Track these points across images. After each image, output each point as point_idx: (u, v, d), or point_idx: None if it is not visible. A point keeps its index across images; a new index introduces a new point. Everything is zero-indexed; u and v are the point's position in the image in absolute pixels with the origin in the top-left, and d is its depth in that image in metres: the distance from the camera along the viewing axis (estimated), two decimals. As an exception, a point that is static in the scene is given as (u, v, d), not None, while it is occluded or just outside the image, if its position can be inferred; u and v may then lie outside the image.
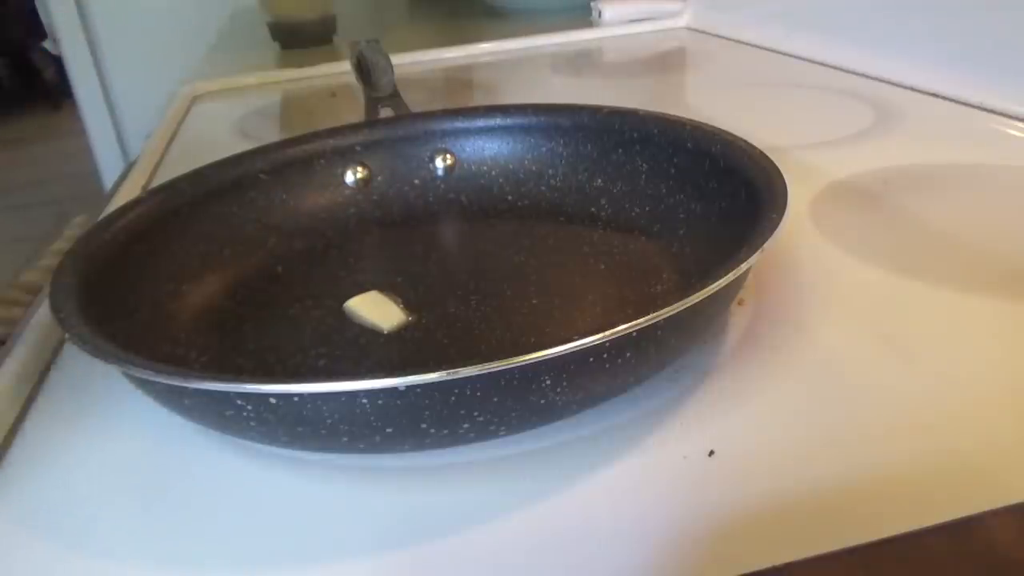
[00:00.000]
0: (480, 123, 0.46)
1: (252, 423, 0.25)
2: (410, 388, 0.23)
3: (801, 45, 0.76)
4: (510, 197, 0.45)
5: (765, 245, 0.28)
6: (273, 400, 0.24)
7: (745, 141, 0.37)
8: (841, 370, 0.30)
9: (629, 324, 0.24)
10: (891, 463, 0.25)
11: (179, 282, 0.37)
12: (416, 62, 0.91)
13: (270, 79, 0.89)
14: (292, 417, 0.24)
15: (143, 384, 0.27)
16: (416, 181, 0.46)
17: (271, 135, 0.68)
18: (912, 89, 0.63)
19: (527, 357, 0.23)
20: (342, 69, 0.84)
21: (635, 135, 0.42)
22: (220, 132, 0.73)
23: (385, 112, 0.49)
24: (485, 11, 1.21)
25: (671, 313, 0.24)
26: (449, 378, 0.23)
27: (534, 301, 0.35)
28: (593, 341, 0.23)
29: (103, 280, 0.33)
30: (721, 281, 0.26)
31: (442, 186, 0.46)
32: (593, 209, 0.43)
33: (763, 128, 0.47)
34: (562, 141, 0.44)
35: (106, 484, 0.28)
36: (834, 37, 0.73)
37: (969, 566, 0.21)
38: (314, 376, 0.24)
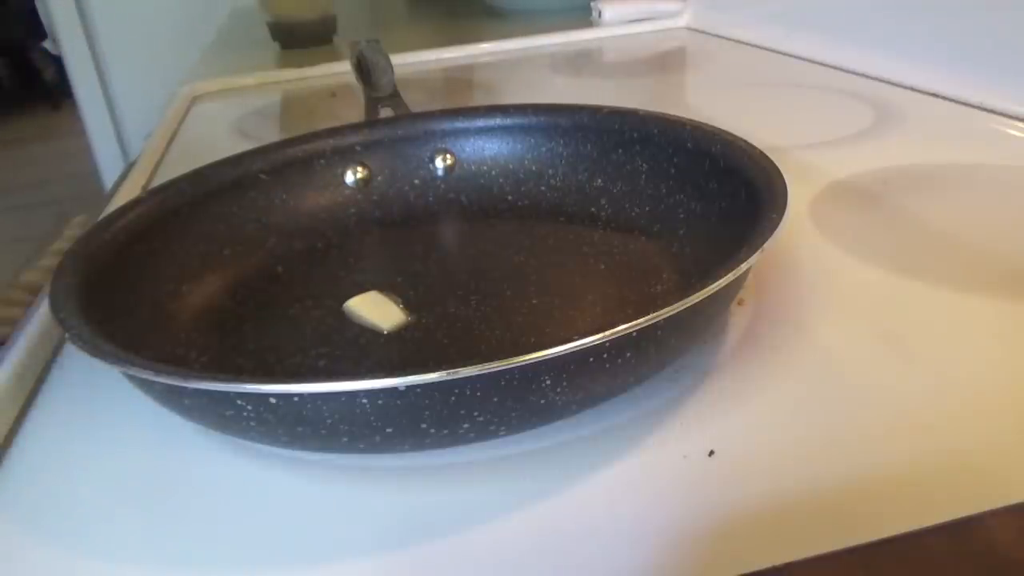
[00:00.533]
0: (480, 123, 0.46)
1: (252, 423, 0.25)
2: (410, 388, 0.23)
3: (801, 45, 0.76)
4: (510, 197, 0.45)
5: (765, 245, 0.28)
6: (273, 400, 0.24)
7: (745, 141, 0.37)
8: (841, 370, 0.30)
9: (629, 324, 0.24)
10: (891, 463, 0.25)
11: (179, 282, 0.37)
12: (416, 62, 0.91)
13: (270, 79, 0.89)
14: (292, 417, 0.24)
15: (143, 384, 0.27)
16: (416, 181, 0.46)
17: (271, 135, 0.68)
18: (912, 89, 0.62)
19: (527, 357, 0.23)
20: (342, 69, 0.84)
21: (635, 135, 0.42)
22: (220, 132, 0.73)
23: (385, 112, 0.49)
24: (485, 11, 1.21)
25: (671, 313, 0.24)
26: (449, 378, 0.23)
27: (534, 301, 0.35)
28: (593, 341, 0.23)
29: (103, 280, 0.33)
30: (721, 281, 0.26)
31: (442, 186, 0.46)
32: (593, 209, 0.43)
33: (763, 128, 0.47)
34: (562, 141, 0.44)
35: (106, 484, 0.28)
36: (834, 37, 0.73)
37: (969, 566, 0.21)
38: (314, 376, 0.24)
